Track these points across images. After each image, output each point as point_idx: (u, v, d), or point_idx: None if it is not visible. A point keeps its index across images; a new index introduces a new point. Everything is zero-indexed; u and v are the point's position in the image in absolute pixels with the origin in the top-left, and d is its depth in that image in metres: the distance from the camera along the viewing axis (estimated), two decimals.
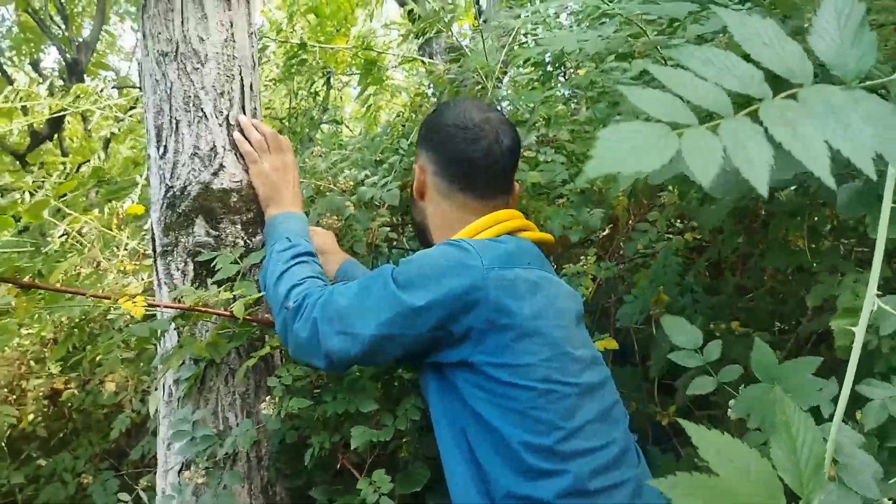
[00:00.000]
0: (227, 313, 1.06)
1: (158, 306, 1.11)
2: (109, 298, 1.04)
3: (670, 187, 1.73)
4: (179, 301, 1.10)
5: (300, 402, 1.07)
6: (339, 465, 1.14)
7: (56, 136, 7.62)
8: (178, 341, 1.15)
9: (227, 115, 1.27)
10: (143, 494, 1.69)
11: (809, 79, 0.31)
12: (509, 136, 1.12)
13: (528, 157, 2.13)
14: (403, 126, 2.34)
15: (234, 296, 1.06)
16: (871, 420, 0.83)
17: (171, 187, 1.23)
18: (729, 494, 0.32)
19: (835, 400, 0.69)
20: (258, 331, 1.19)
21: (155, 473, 1.70)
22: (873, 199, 0.83)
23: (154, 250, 1.25)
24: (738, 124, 0.30)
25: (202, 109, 1.24)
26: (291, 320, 1.00)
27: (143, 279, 1.89)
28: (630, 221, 1.92)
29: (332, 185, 1.72)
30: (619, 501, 0.91)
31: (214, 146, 1.24)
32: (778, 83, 0.31)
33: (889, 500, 0.70)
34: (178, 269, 1.21)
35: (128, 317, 1.87)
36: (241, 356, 1.22)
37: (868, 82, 0.31)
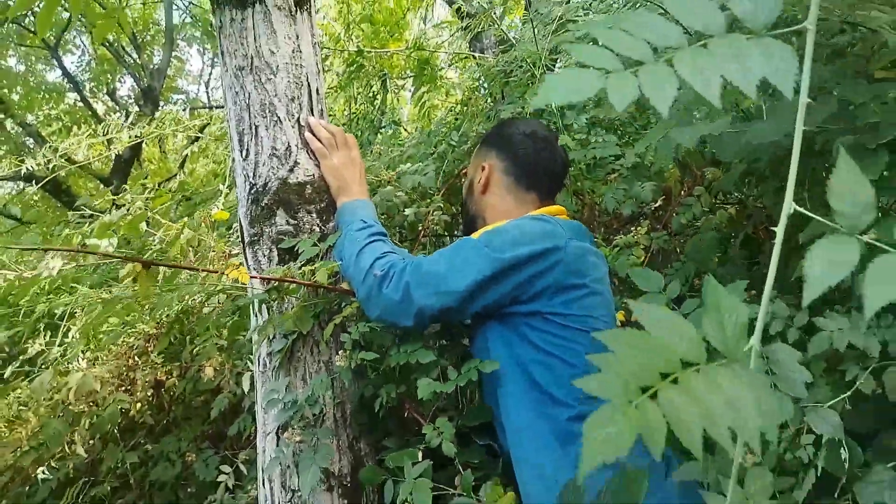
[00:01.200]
0: (311, 283, 1.20)
1: (256, 278, 1.25)
2: (218, 272, 1.19)
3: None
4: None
5: (368, 354, 1.21)
6: (405, 415, 1.28)
7: (136, 159, 8.15)
8: (269, 316, 1.31)
9: (298, 118, 1.42)
10: (242, 467, 1.87)
11: (721, 31, 0.41)
12: (564, 153, 1.41)
13: (579, 139, 2.22)
14: (456, 119, 2.47)
15: (315, 269, 1.20)
16: (815, 347, 0.98)
17: (255, 184, 1.39)
18: (663, 349, 0.42)
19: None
20: (337, 303, 1.33)
21: (253, 447, 1.89)
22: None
23: (243, 241, 1.42)
24: (654, 67, 0.41)
25: (276, 114, 1.40)
26: (379, 286, 1.15)
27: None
28: (682, 193, 1.98)
29: (380, 180, 1.86)
30: None
31: (289, 146, 1.40)
32: (701, 37, 0.41)
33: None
34: (264, 256, 1.38)
35: (219, 309, 2.08)
36: (323, 328, 1.36)
37: (774, 31, 0.40)
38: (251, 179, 1.40)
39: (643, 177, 1.98)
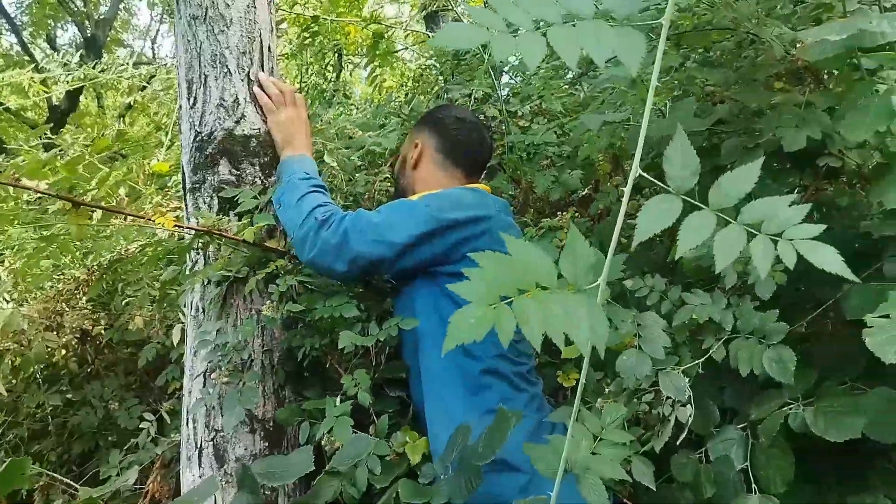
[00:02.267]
0: (238, 238, 1.25)
1: (182, 227, 1.29)
2: (146, 218, 1.22)
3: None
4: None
5: (294, 306, 1.27)
6: (327, 365, 1.35)
7: (72, 112, 7.83)
8: (204, 263, 1.35)
9: (248, 72, 1.46)
10: (166, 416, 1.90)
11: (590, 16, 0.51)
12: (490, 139, 1.57)
13: (521, 125, 2.32)
14: (406, 95, 2.53)
15: (246, 224, 1.25)
16: (679, 318, 1.13)
17: (200, 132, 1.43)
18: (523, 271, 0.52)
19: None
20: (264, 257, 1.38)
21: (178, 398, 1.92)
22: None
23: (184, 187, 1.45)
24: (530, 34, 0.51)
25: (227, 66, 1.44)
26: (318, 229, 1.21)
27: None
28: (609, 183, 2.10)
29: (336, 139, 1.91)
30: (538, 391, 1.27)
31: (237, 98, 1.44)
32: (574, 18, 0.51)
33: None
34: (205, 203, 1.41)
35: (149, 262, 2.09)
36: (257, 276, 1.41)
37: (634, 22, 0.51)
38: (197, 127, 1.43)
39: (575, 166, 2.09)
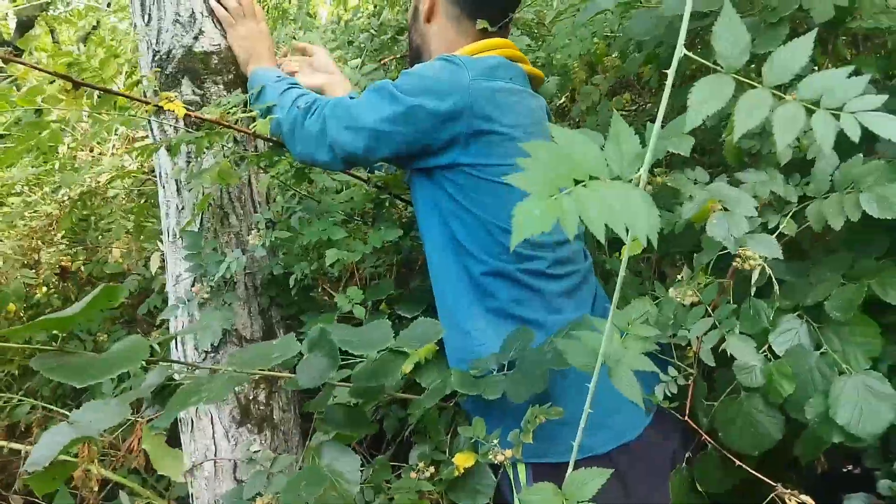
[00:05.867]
0: (249, 130, 1.21)
1: (192, 115, 1.22)
2: (150, 103, 1.16)
3: (616, 54, 1.87)
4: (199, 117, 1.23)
5: (281, 232, 1.26)
6: (319, 289, 1.35)
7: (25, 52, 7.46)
8: (189, 167, 1.32)
9: None
10: (155, 345, 1.91)
11: None
12: None
13: None
14: (375, 7, 2.43)
15: (251, 115, 1.20)
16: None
17: (158, 51, 1.37)
18: (575, 160, 0.51)
19: None
20: (263, 160, 1.33)
21: (166, 328, 1.93)
22: None
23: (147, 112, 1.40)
24: None
25: None
26: (302, 118, 1.16)
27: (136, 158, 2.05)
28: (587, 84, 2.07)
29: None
30: (573, 283, 1.17)
31: (193, 13, 1.37)
32: None
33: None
34: (170, 126, 1.37)
35: (122, 193, 2.05)
36: (233, 201, 1.40)
37: None
38: (154, 46, 1.37)
39: (550, 74, 2.05)
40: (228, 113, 1.24)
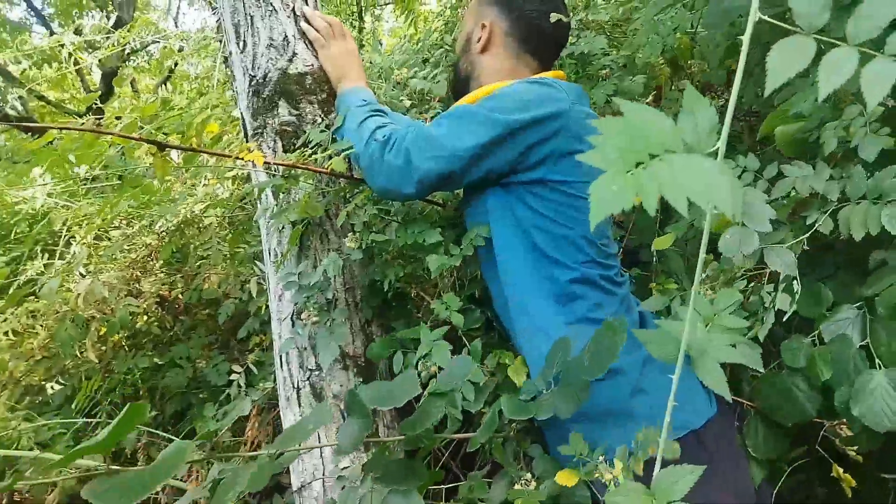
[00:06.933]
0: (327, 171, 1.22)
1: (271, 163, 1.25)
2: (232, 157, 1.20)
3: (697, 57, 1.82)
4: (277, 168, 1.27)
5: (377, 235, 1.25)
6: (412, 294, 1.33)
7: (109, 97, 7.93)
8: (278, 203, 1.34)
9: (293, 7, 1.42)
10: (252, 367, 1.95)
11: None
12: (569, 18, 1.35)
13: (570, 42, 2.22)
14: (445, 24, 2.44)
15: (329, 154, 1.22)
16: (778, 190, 1.08)
17: (254, 76, 1.40)
18: (649, 134, 0.48)
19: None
20: (349, 190, 1.35)
21: (262, 350, 1.96)
22: None
23: (246, 134, 1.44)
24: None
25: (271, 4, 1.40)
26: (381, 151, 1.16)
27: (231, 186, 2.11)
28: (672, 88, 2.01)
29: (382, 80, 1.87)
30: (628, 288, 1.24)
31: (286, 35, 1.40)
32: None
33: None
34: (269, 148, 1.40)
35: (216, 221, 2.11)
36: (332, 219, 1.40)
37: None
38: (251, 71, 1.41)
39: (635, 73, 2.00)
40: (308, 153, 1.25)
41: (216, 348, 2.33)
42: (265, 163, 1.20)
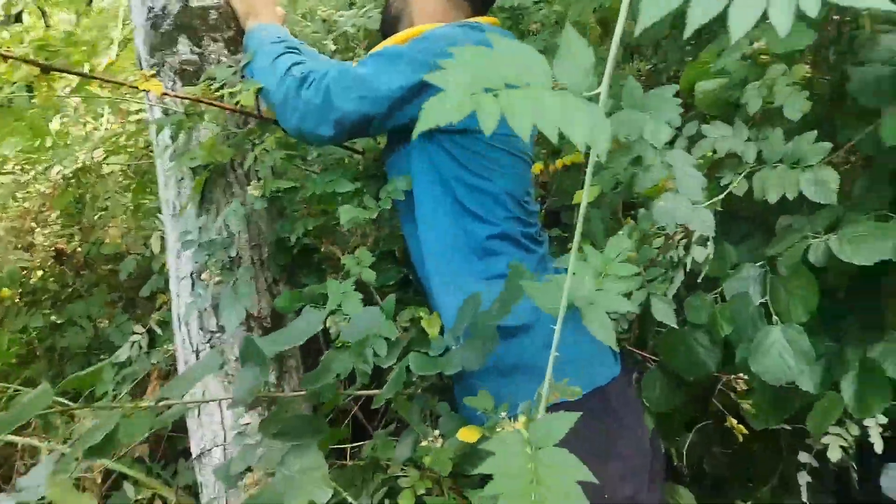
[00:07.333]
0: (235, 108, 1.11)
1: (170, 94, 1.13)
2: (128, 84, 1.07)
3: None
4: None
5: (284, 182, 1.16)
6: (321, 249, 1.26)
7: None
8: (176, 148, 1.23)
9: None
10: (155, 327, 1.83)
11: None
12: None
13: None
14: None
15: (238, 90, 1.10)
16: (699, 151, 1.07)
17: (152, 7, 1.26)
18: (514, 67, 0.43)
19: None
20: (257, 136, 1.25)
21: (169, 309, 1.84)
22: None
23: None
24: None
25: None
26: (298, 87, 1.06)
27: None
28: (603, 48, 1.97)
29: (305, 21, 1.75)
30: (547, 248, 1.22)
31: None
32: None
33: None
34: (167, 88, 1.27)
35: (118, 169, 1.95)
36: (236, 169, 1.30)
37: None
38: (148, 2, 1.27)
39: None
40: (214, 87, 1.14)
41: (121, 307, 2.19)
42: (164, 94, 1.07)
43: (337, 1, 2.07)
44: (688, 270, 1.06)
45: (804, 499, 1.12)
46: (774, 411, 1.13)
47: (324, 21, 1.82)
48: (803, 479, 1.12)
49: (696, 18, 0.45)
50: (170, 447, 1.94)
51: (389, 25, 1.27)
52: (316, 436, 0.85)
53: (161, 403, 0.81)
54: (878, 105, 1.01)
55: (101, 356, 2.12)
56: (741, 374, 1.12)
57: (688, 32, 0.45)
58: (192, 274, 1.30)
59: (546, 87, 0.45)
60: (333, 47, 1.77)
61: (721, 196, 1.04)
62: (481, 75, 0.44)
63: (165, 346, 1.71)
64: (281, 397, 0.93)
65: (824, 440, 1.05)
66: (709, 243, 1.02)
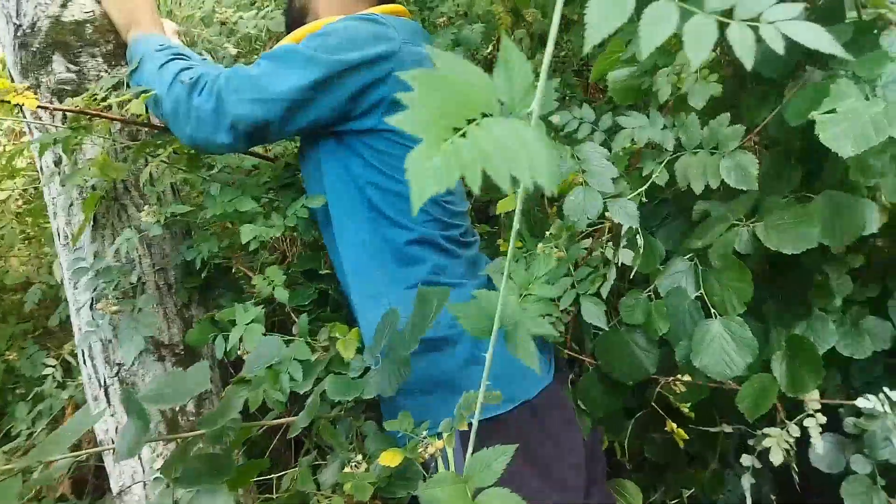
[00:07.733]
0: (124, 118, 1.03)
1: (48, 108, 1.04)
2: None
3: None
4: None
5: (179, 206, 1.10)
6: (233, 271, 1.21)
7: None
8: (60, 171, 1.15)
9: None
10: (69, 358, 1.73)
11: None
12: None
13: None
14: None
15: (125, 100, 1.03)
16: (618, 143, 1.05)
17: (20, 25, 1.17)
18: (465, 94, 0.39)
19: None
20: (151, 150, 1.17)
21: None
22: None
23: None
24: None
25: None
26: (188, 94, 0.99)
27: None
28: (513, 38, 1.96)
29: (204, 25, 1.67)
30: (477, 250, 1.18)
31: None
32: None
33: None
34: (44, 111, 1.18)
35: (14, 194, 1.83)
36: (130, 190, 1.23)
37: None
38: (14, 19, 1.17)
39: (470, 22, 1.92)
40: (96, 100, 1.06)
41: (33, 335, 2.06)
42: (40, 106, 0.99)
43: (237, 2, 1.99)
44: (619, 266, 1.04)
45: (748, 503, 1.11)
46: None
47: (223, 24, 1.74)
48: (747, 481, 1.10)
49: (650, 43, 0.44)
50: (98, 480, 1.85)
51: (294, 21, 1.21)
52: (221, 476, 0.80)
53: (38, 461, 0.75)
54: (782, 76, 1.00)
55: (16, 390, 2.01)
56: (678, 377, 1.10)
57: (643, 55, 0.44)
58: (89, 303, 1.23)
59: (496, 116, 0.42)
60: (235, 51, 1.69)
61: (644, 187, 1.02)
62: (443, 111, 0.40)
63: (80, 378, 1.62)
64: (180, 438, 0.88)
65: (765, 443, 1.04)
66: (639, 236, 1.00)
